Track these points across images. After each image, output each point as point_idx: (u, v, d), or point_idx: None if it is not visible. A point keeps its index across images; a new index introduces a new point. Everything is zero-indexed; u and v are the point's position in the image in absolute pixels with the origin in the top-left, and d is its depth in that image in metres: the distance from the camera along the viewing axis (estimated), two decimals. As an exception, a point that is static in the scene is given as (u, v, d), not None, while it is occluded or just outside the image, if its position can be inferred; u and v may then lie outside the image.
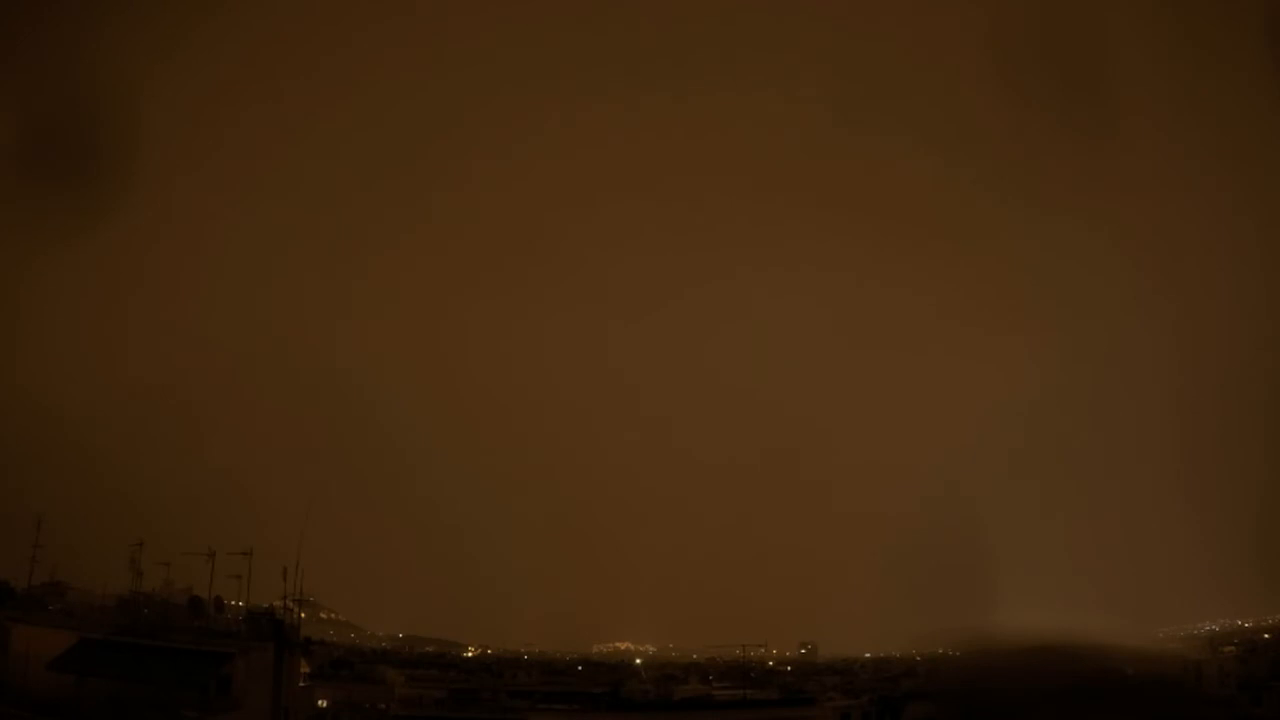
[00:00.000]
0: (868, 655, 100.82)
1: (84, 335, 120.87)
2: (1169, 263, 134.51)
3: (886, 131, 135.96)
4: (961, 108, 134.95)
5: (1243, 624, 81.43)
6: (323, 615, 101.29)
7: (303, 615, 41.16)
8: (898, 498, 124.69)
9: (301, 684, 43.93)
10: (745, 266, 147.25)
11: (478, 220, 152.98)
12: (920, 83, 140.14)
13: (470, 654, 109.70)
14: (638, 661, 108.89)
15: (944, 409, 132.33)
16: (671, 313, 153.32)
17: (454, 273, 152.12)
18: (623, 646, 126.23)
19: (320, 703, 50.87)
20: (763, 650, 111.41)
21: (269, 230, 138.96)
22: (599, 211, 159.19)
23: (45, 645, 34.59)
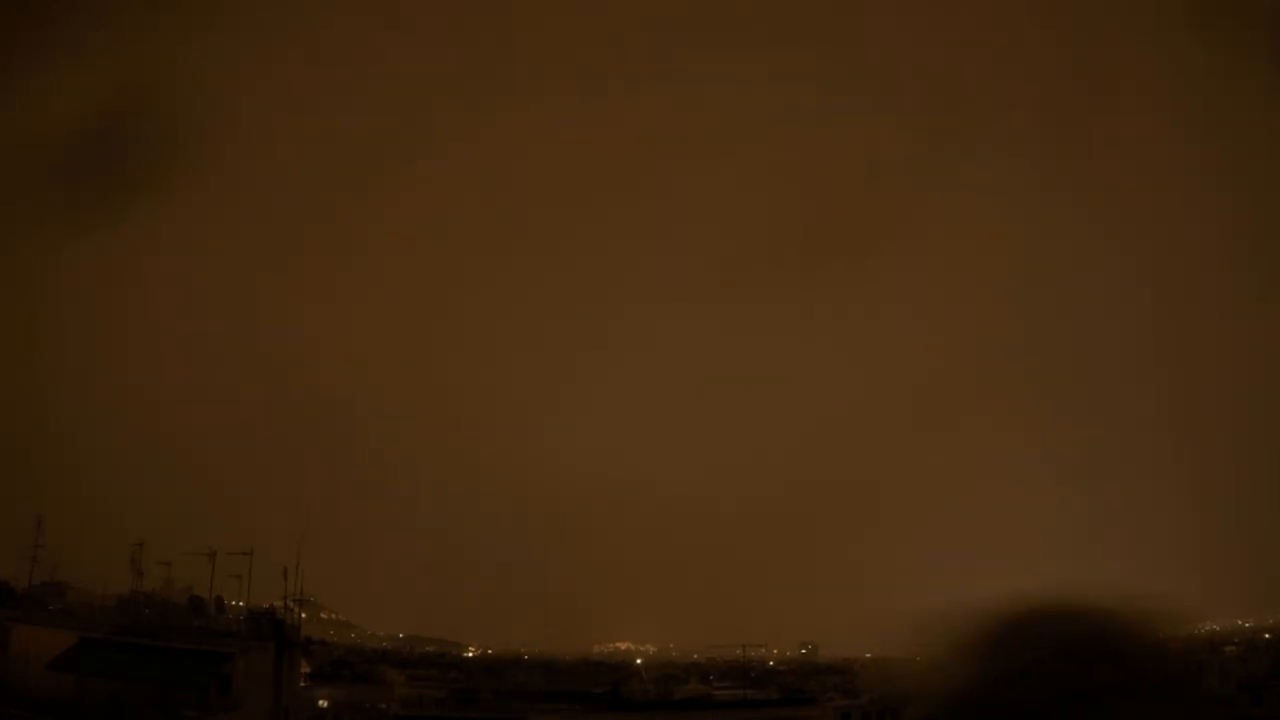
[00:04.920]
0: (868, 655, 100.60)
1: (85, 338, 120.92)
2: (1168, 258, 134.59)
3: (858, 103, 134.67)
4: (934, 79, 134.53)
5: (1243, 624, 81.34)
6: (323, 615, 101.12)
7: (303, 615, 41.19)
8: (897, 497, 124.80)
9: (302, 684, 43.95)
10: (755, 260, 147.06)
11: (459, 215, 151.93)
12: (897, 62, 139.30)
13: (470, 654, 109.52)
14: (638, 661, 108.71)
15: (942, 408, 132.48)
16: (670, 308, 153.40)
17: (444, 269, 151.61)
18: (623, 646, 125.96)
19: (320, 703, 50.84)
20: (763, 650, 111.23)
21: (265, 235, 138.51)
22: (603, 203, 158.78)
23: (45, 645, 34.55)
